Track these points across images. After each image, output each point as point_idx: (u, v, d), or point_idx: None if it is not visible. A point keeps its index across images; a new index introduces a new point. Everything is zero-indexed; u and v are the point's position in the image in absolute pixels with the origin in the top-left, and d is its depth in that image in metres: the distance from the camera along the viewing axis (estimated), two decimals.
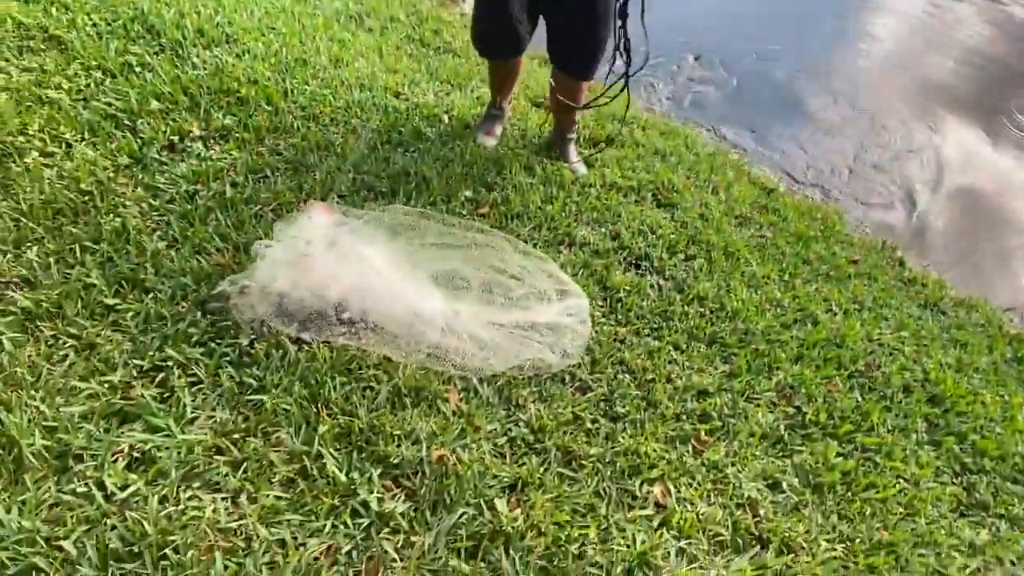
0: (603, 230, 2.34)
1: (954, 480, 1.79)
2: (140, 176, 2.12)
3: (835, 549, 1.52)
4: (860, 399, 1.92)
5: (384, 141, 2.57)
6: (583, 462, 1.56)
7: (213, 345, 1.63)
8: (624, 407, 1.71)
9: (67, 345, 1.57)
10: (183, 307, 1.72)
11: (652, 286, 2.14)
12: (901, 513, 1.63)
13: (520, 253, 2.05)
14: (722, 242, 2.39)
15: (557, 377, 1.76)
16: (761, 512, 1.55)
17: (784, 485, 1.62)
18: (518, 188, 2.43)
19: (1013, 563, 1.60)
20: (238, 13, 3.07)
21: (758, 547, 1.49)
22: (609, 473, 1.56)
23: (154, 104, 2.39)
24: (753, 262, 2.35)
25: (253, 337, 1.67)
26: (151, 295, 1.72)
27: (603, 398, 1.73)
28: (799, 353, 2.02)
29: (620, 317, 1.99)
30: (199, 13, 2.95)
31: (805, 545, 1.50)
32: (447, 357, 1.70)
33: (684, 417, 1.73)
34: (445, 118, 2.80)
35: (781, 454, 1.71)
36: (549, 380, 1.74)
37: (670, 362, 1.87)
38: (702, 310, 2.09)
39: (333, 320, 1.74)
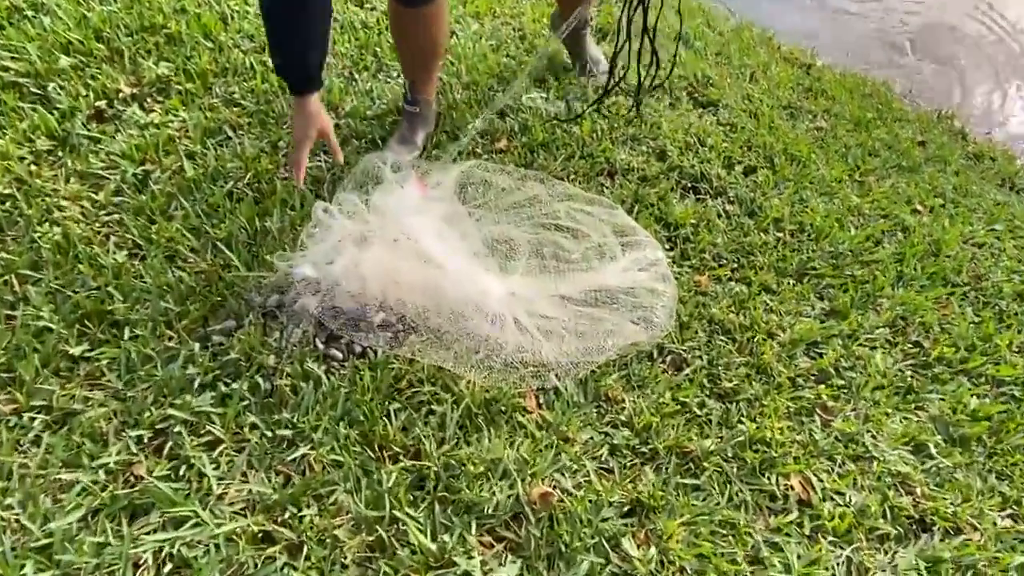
0: (644, 148, 1.97)
1: None
2: (70, 162, 1.66)
3: (1002, 517, 1.32)
4: (977, 320, 1.67)
5: (359, 67, 2.09)
6: (704, 464, 1.30)
7: (223, 387, 1.28)
8: (731, 380, 1.43)
9: (35, 422, 1.20)
10: (171, 339, 1.35)
11: (719, 214, 1.81)
12: None
13: (560, 197, 1.68)
14: (780, 144, 2.04)
15: (643, 353, 1.46)
16: (916, 489, 1.32)
17: (932, 448, 1.39)
18: (535, 110, 2.01)
19: None
20: None
21: (921, 533, 1.27)
22: (736, 471, 1.30)
23: (63, 60, 1.87)
24: (819, 162, 2.02)
25: (274, 367, 1.32)
26: (127, 330, 1.34)
27: (704, 373, 1.44)
28: (898, 272, 1.74)
29: (695, 261, 1.67)
30: None
31: (972, 520, 1.29)
32: (511, 358, 1.37)
33: (801, 382, 1.46)
34: None
35: (914, 406, 1.47)
36: (635, 359, 1.44)
37: (767, 310, 1.58)
38: (781, 236, 1.77)
39: (370, 323, 1.39)
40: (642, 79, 1.89)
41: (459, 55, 2.19)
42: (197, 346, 1.33)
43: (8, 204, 1.55)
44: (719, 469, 1.29)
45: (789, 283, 1.67)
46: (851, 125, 2.23)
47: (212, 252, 1.51)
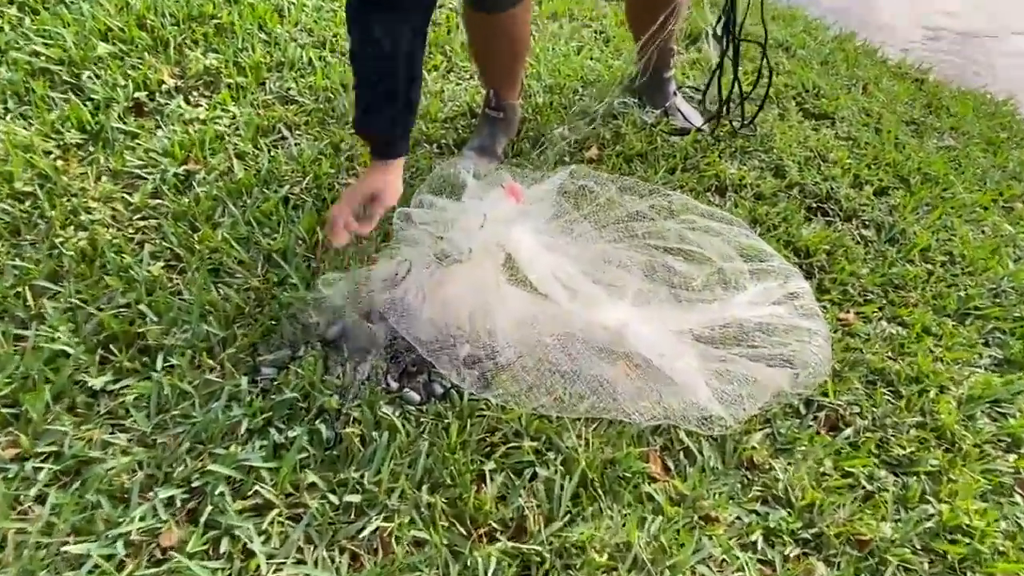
0: (757, 163, 1.70)
1: None
2: (102, 159, 1.43)
3: None
4: None
5: (428, 67, 1.86)
6: (886, 557, 1.00)
7: (275, 434, 1.01)
8: (903, 446, 1.14)
9: (41, 473, 0.95)
10: (212, 371, 1.09)
11: (855, 240, 1.53)
12: None
13: (672, 211, 1.42)
14: (912, 163, 1.76)
15: (787, 407, 1.17)
16: None
17: None
18: (627, 117, 1.76)
19: None
20: None
21: None
22: (929, 568, 1.00)
23: (101, 47, 1.67)
24: (956, 185, 1.74)
25: (339, 411, 1.06)
26: (159, 359, 1.09)
27: (869, 435, 1.15)
28: None
29: (835, 295, 1.39)
30: None
31: None
32: (628, 407, 1.10)
33: (988, 450, 1.16)
34: None
35: None
36: (779, 414, 1.16)
37: (932, 359, 1.29)
38: (932, 268, 1.49)
39: (454, 358, 1.12)
40: (744, 94, 1.64)
41: (538, 56, 1.95)
42: (244, 381, 1.07)
43: (28, 203, 1.32)
44: (906, 565, 1.00)
45: (950, 325, 1.37)
46: (984, 145, 1.95)
47: (264, 266, 1.26)
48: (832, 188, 1.63)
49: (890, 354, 1.28)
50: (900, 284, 1.43)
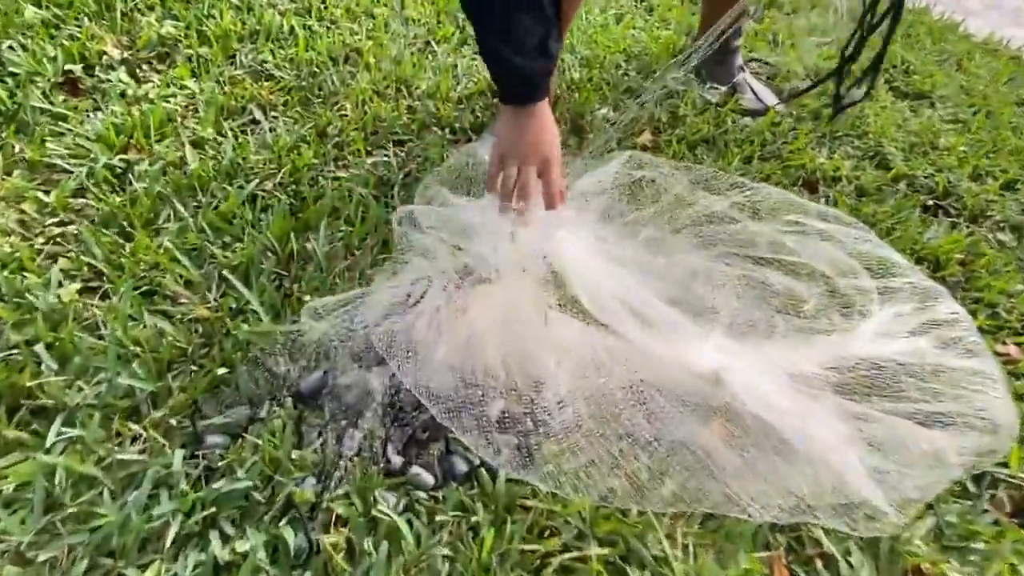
0: (851, 149, 1.36)
1: None
2: (16, 147, 1.09)
3: None
4: None
5: (437, 37, 1.53)
6: None
7: (218, 545, 0.67)
8: None
9: None
10: (133, 443, 0.75)
11: (991, 245, 1.18)
12: None
13: (762, 209, 1.07)
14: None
15: (956, 484, 0.83)
16: None
17: None
18: (686, 96, 1.42)
19: None
20: None
21: None
22: None
23: (29, 11, 1.33)
24: None
25: (314, 505, 0.71)
26: (55, 427, 0.74)
27: None
28: None
29: (984, 318, 1.04)
30: None
31: None
32: (738, 493, 0.75)
33: None
34: None
35: None
36: (939, 497, 0.81)
37: None
38: None
39: (482, 419, 0.78)
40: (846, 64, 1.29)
41: (570, 28, 1.61)
42: (179, 457, 0.73)
43: None
44: None
45: None
46: None
47: (218, 288, 0.92)
48: (950, 181, 1.29)
49: None
50: None
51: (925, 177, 1.30)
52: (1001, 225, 1.23)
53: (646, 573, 0.70)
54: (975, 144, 1.41)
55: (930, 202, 1.26)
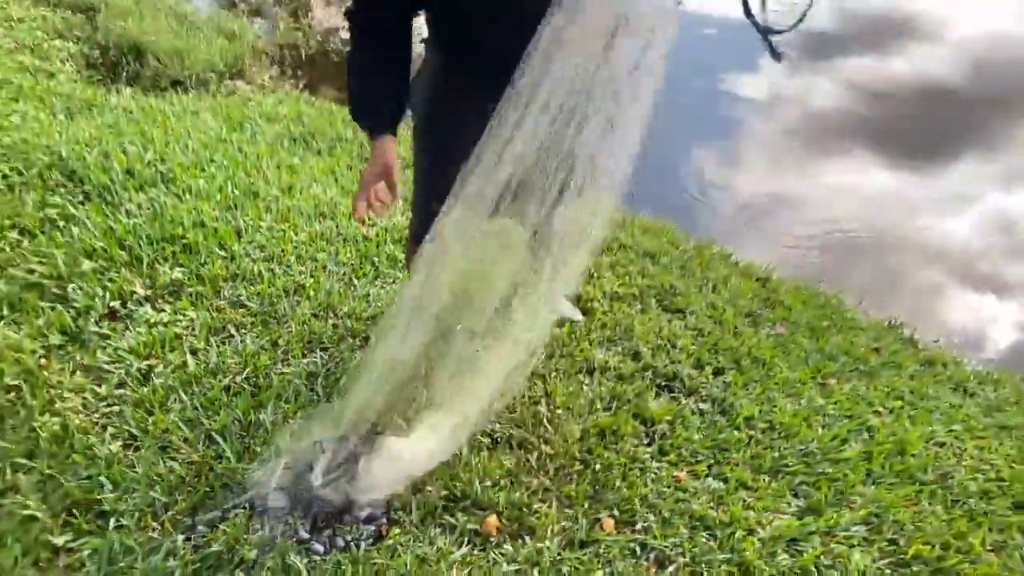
0: (619, 349, 2.11)
1: None
2: (78, 356, 1.75)
3: None
4: (947, 518, 1.71)
5: (358, 274, 2.29)
6: None
7: None
8: None
9: None
10: (155, 530, 1.35)
11: (693, 411, 1.90)
12: None
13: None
14: (744, 348, 2.20)
15: (626, 551, 1.47)
16: None
17: None
18: None
19: None
20: (171, 148, 2.78)
21: None
22: None
23: (86, 264, 2.04)
24: (782, 366, 2.17)
25: (255, 561, 1.31)
26: (112, 520, 1.34)
27: (689, 571, 1.44)
28: (867, 470, 1.81)
29: (672, 457, 1.73)
30: (126, 152, 2.64)
31: None
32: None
33: None
34: None
35: None
36: (620, 555, 1.45)
37: (744, 507, 1.62)
38: (753, 433, 1.86)
39: (355, 517, 1.40)
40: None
41: None
42: (181, 538, 1.33)
43: (13, 395, 1.61)
44: None
45: (765, 480, 1.72)
46: (808, 332, 2.43)
47: (205, 443, 1.55)
48: (678, 370, 2.03)
49: (711, 504, 1.61)
50: (726, 447, 1.79)
51: (663, 367, 2.04)
52: (704, 398, 1.97)
53: None
54: (702, 344, 2.18)
55: (662, 383, 2.00)
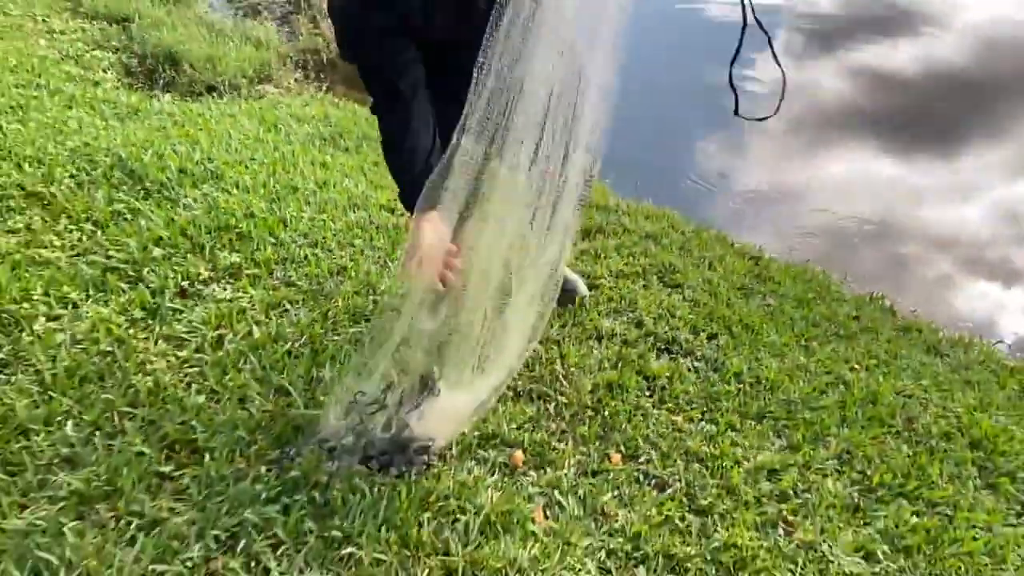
0: (624, 319, 2.39)
1: (1020, 520, 1.85)
2: (159, 328, 2.04)
3: None
4: (911, 454, 1.98)
5: (391, 258, 2.57)
6: (687, 565, 1.54)
7: (286, 500, 1.55)
8: (706, 499, 1.71)
9: (131, 526, 1.46)
10: (243, 464, 1.64)
11: (689, 369, 2.18)
12: (990, 564, 1.67)
13: None
14: (736, 316, 2.47)
15: (631, 477, 1.75)
16: None
17: (879, 553, 1.64)
18: None
19: None
20: (216, 148, 3.08)
21: None
22: (715, 571, 1.54)
23: (156, 251, 2.34)
24: (770, 331, 2.44)
25: (327, 484, 1.60)
26: (207, 456, 1.64)
27: (684, 493, 1.72)
28: (842, 416, 2.08)
29: (671, 405, 2.01)
30: (178, 153, 2.94)
31: None
32: None
33: (764, 500, 1.74)
34: None
35: (863, 522, 1.74)
36: (626, 481, 1.73)
37: (732, 444, 1.89)
38: (741, 386, 2.13)
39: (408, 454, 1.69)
40: None
41: None
42: (263, 468, 1.62)
43: (109, 359, 1.90)
44: (701, 569, 1.54)
45: (751, 424, 2.00)
46: (795, 303, 2.69)
47: (276, 395, 1.84)
48: (676, 335, 2.31)
49: (704, 442, 1.88)
50: (717, 398, 2.06)
51: (663, 333, 2.32)
52: (699, 359, 2.24)
53: (474, 508, 1.59)
54: (698, 314, 2.46)
55: (662, 347, 2.27)
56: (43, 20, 4.68)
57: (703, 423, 1.97)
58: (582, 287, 2.48)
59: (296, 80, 4.47)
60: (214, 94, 4.03)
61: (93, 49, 4.42)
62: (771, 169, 4.75)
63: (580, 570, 1.49)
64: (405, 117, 1.58)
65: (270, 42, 4.68)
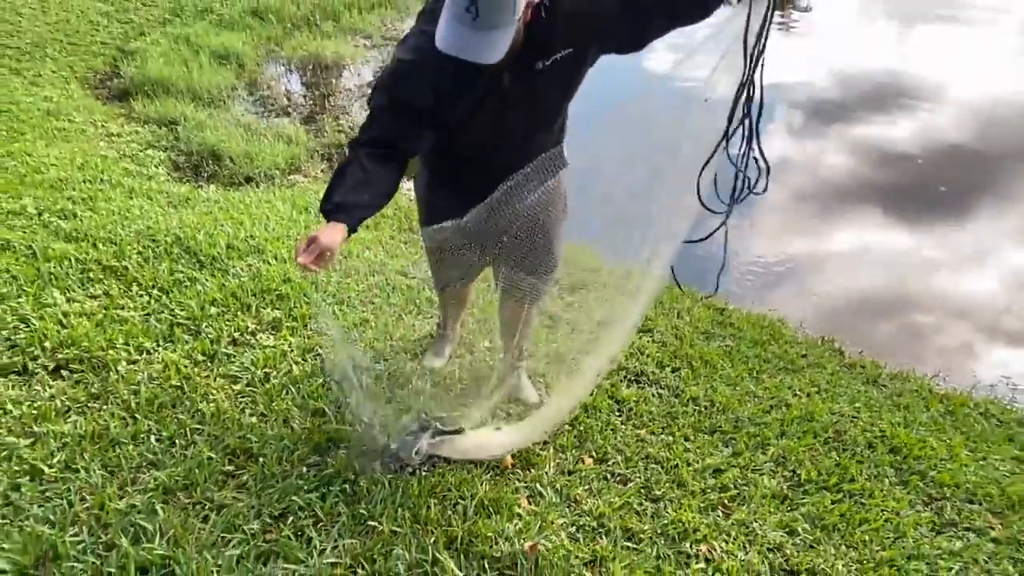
0: None
1: (925, 508, 2.22)
2: (217, 368, 2.51)
3: (850, 570, 1.91)
4: (838, 458, 2.38)
5: (405, 312, 3.06)
6: (641, 536, 1.93)
7: (324, 490, 1.97)
8: (660, 490, 2.11)
9: (205, 508, 1.89)
10: (288, 465, 2.07)
11: (654, 395, 2.61)
12: (892, 537, 2.04)
13: None
14: (697, 354, 2.91)
15: (600, 475, 2.16)
16: (787, 551, 1.93)
17: (799, 529, 2.02)
18: None
19: (986, 560, 2.01)
20: (257, 228, 3.63)
21: None
22: (663, 541, 1.93)
23: (212, 309, 2.84)
24: (726, 366, 2.87)
25: (355, 479, 2.02)
26: (260, 459, 2.07)
27: (642, 486, 2.12)
28: (782, 430, 2.48)
29: (636, 422, 2.43)
30: (226, 232, 3.49)
31: (828, 570, 1.89)
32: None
33: (708, 491, 2.14)
34: None
35: (790, 508, 2.12)
36: (595, 479, 2.14)
37: (685, 451, 2.30)
38: (698, 408, 2.55)
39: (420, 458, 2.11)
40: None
41: None
42: (304, 468, 2.05)
43: (179, 391, 2.37)
44: (652, 540, 1.93)
45: (703, 436, 2.41)
46: (751, 343, 3.13)
47: (312, 416, 2.29)
48: (644, 368, 2.75)
49: (662, 449, 2.29)
50: (676, 416, 2.48)
51: (633, 367, 2.75)
52: (663, 387, 2.67)
53: (472, 495, 2.00)
54: (664, 352, 2.90)
55: (632, 378, 2.71)
56: (102, 125, 5.39)
57: (663, 435, 2.38)
58: (532, 395, 2.55)
59: (322, 171, 5.09)
60: (252, 184, 4.65)
61: (146, 148, 5.10)
62: (778, 243, 4.73)
63: (555, 538, 1.89)
64: (392, 154, 1.70)
65: (299, 138, 5.35)
